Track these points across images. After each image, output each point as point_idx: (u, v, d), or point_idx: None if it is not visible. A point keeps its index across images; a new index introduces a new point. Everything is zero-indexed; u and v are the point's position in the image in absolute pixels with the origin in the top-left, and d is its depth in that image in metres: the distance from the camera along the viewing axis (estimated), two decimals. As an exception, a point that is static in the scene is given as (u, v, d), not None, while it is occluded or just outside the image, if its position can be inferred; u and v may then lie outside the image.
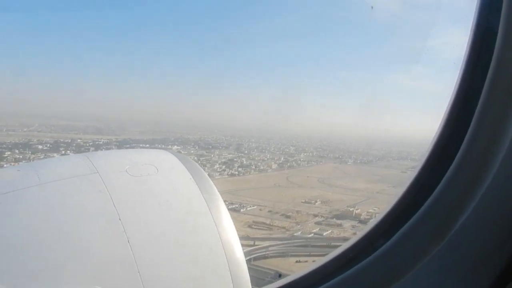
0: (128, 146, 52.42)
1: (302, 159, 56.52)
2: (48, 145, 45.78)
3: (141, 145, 53.36)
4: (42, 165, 2.90)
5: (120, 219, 2.22)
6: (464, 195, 1.81)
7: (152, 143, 58.17)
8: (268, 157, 55.73)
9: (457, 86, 1.87)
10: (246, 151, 57.35)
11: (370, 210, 36.93)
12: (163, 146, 54.56)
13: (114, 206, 2.26)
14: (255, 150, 60.96)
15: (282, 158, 55.96)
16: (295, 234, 35.71)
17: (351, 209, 39.40)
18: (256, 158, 53.49)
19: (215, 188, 2.59)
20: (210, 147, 56.92)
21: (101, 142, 52.51)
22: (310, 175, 49.40)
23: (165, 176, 2.64)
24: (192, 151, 55.08)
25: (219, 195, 2.56)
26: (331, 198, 43.53)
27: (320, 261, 2.28)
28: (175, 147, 56.84)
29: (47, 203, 2.33)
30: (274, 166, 53.11)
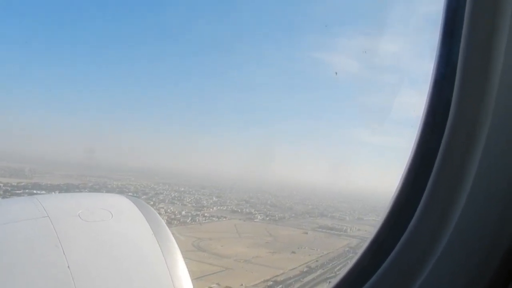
0: (30, 192, 51.34)
1: (206, 214, 53.63)
2: None
3: (43, 192, 51.97)
4: None
5: (69, 267, 2.12)
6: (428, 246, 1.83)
7: (62, 189, 57.07)
8: (176, 209, 53.47)
9: (415, 146, 1.95)
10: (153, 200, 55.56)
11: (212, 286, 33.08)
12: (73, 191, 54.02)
13: (64, 253, 2.16)
14: (176, 199, 59.03)
15: (183, 212, 53.50)
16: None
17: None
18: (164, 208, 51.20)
19: (171, 235, 2.47)
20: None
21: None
22: (193, 234, 45.93)
23: (120, 222, 2.52)
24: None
25: (175, 243, 2.43)
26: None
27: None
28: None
29: None
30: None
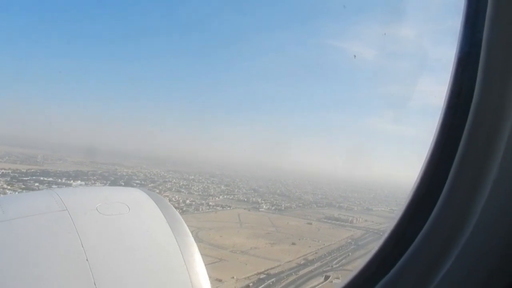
0: (37, 178, 52.03)
1: (210, 203, 53.29)
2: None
3: (50, 178, 52.61)
4: (8, 200, 2.77)
5: (87, 259, 2.13)
6: (449, 239, 1.79)
7: (70, 175, 57.61)
8: (181, 198, 53.45)
9: (437, 130, 1.90)
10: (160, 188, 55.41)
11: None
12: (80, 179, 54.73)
13: (82, 246, 2.18)
14: (183, 187, 59.17)
15: (188, 201, 53.32)
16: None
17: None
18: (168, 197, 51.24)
19: (187, 229, 2.48)
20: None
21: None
22: (194, 224, 45.50)
23: (137, 216, 2.54)
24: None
25: (191, 236, 2.45)
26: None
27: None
28: (79, 182, 55.62)
29: (12, 241, 2.22)
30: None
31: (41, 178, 53.36)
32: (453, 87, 1.86)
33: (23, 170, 57.01)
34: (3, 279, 2.02)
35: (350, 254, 39.69)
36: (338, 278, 34.12)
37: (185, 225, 2.53)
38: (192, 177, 71.33)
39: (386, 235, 2.02)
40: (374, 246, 2.06)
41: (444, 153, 1.86)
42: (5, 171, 55.00)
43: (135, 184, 57.30)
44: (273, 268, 34.74)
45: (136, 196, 2.78)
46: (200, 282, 2.28)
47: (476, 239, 1.70)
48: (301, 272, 34.75)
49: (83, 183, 54.16)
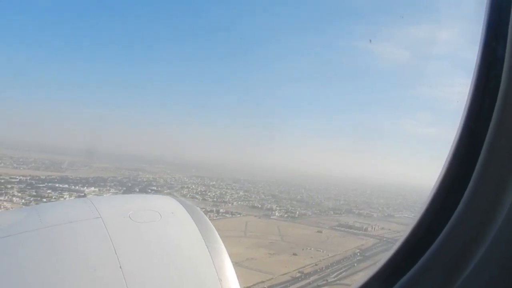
0: (52, 185, 52.99)
1: (221, 210, 52.34)
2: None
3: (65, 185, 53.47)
4: (45, 208, 2.87)
5: (121, 267, 2.19)
6: (473, 236, 1.78)
7: (89, 182, 58.37)
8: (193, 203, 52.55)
9: (459, 131, 1.90)
10: (176, 194, 55.52)
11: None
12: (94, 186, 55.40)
13: (116, 253, 2.24)
14: (199, 193, 59.38)
15: (200, 207, 52.13)
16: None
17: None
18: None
19: (218, 237, 2.52)
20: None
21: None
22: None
23: (168, 223, 2.60)
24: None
25: (223, 244, 2.49)
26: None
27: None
28: (92, 189, 56.36)
29: (48, 247, 2.31)
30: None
31: (56, 185, 54.01)
32: (476, 88, 1.82)
33: (42, 177, 58.22)
34: (41, 284, 2.08)
35: (353, 266, 36.88)
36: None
37: (216, 232, 2.54)
38: (213, 182, 70.53)
39: (404, 236, 1.99)
40: (382, 257, 2.04)
41: (465, 158, 1.84)
42: (23, 178, 56.04)
43: (150, 191, 57.21)
44: (263, 282, 32.61)
45: (168, 204, 2.84)
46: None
47: (498, 246, 1.67)
48: (293, 287, 32.37)
49: (96, 189, 54.49)
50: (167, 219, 2.60)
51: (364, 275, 2.15)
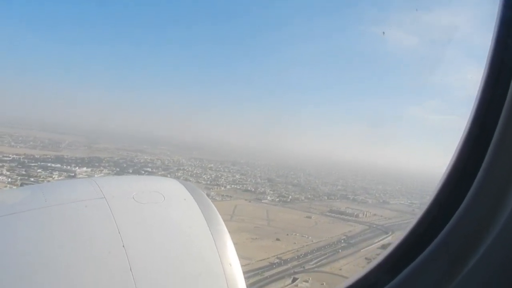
0: (44, 165, 52.84)
1: (211, 193, 51.51)
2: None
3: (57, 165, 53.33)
4: (50, 187, 2.85)
5: (123, 246, 2.22)
6: (480, 226, 1.79)
7: (84, 162, 58.18)
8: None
9: (470, 119, 1.90)
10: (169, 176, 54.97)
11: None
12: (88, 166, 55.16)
13: (119, 232, 2.27)
14: (194, 175, 58.51)
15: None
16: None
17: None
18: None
19: (221, 219, 2.51)
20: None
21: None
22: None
23: (172, 205, 2.60)
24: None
25: (225, 227, 2.46)
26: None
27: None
28: (84, 169, 56.26)
29: (52, 226, 2.32)
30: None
31: (48, 165, 53.83)
32: (487, 81, 1.82)
33: (36, 156, 58.12)
34: (45, 262, 2.12)
35: (336, 252, 35.76)
36: (306, 281, 30.46)
37: (218, 214, 2.53)
38: (211, 165, 69.82)
39: (410, 227, 2.02)
40: (368, 244, 2.45)
41: (474, 150, 1.84)
42: (16, 156, 56.00)
43: (143, 172, 56.70)
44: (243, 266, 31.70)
45: (171, 186, 2.80)
46: (233, 270, 2.27)
47: (501, 243, 1.68)
48: (268, 273, 31.44)
49: (89, 169, 54.23)
50: (170, 200, 2.60)
51: (369, 265, 2.16)
